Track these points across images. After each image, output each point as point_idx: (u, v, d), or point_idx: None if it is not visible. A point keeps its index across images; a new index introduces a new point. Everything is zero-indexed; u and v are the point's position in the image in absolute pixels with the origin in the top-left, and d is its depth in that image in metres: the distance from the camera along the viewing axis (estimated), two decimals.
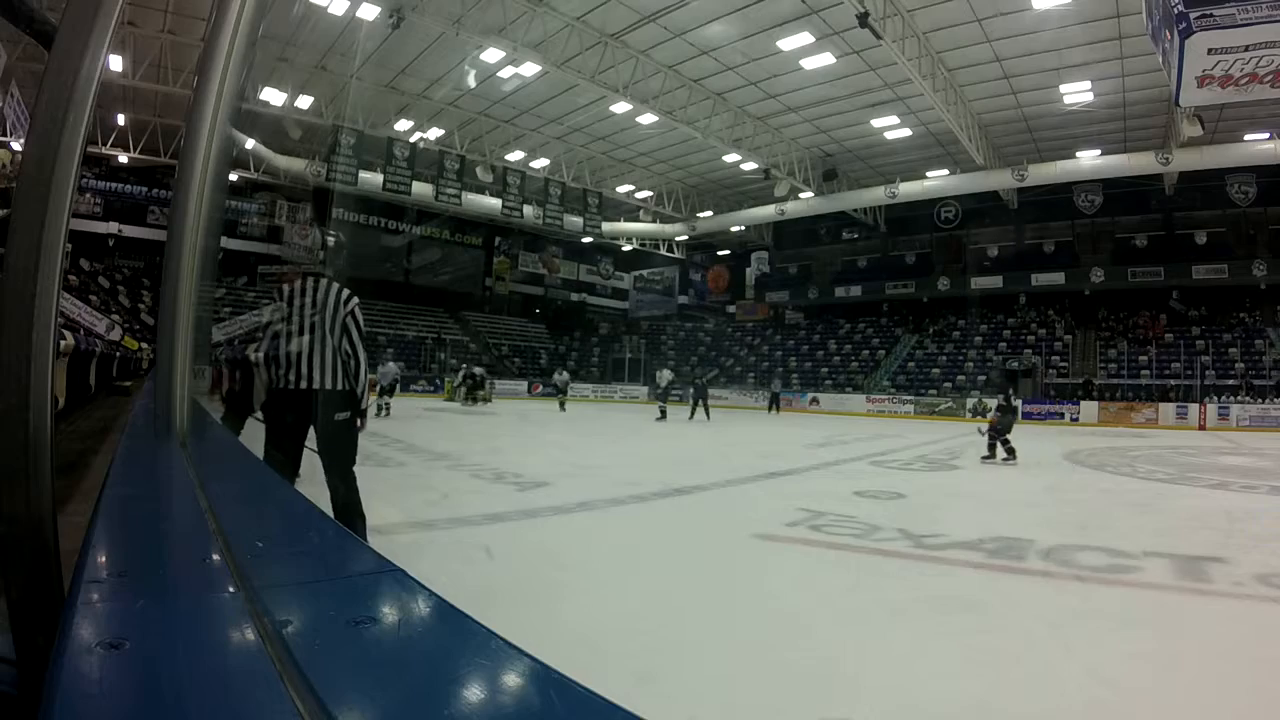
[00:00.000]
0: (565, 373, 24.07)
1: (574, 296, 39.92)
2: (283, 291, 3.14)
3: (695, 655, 2.36)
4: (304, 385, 3.06)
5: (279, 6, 16.28)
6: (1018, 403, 10.07)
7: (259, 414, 3.10)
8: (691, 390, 18.18)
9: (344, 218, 29.25)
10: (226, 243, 27.13)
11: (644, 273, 40.37)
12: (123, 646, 0.68)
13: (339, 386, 3.11)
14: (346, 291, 3.23)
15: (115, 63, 17.20)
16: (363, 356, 3.18)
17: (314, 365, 3.07)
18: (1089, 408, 21.99)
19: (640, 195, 30.19)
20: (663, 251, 35.93)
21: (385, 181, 23.17)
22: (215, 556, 1.03)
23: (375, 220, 31.19)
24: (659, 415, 17.69)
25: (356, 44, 18.87)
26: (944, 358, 28.09)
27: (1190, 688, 2.22)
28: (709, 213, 31.45)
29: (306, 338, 3.06)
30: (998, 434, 9.14)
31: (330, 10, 16.74)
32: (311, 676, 0.62)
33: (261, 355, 3.06)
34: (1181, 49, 9.85)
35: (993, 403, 22.91)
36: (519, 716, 0.63)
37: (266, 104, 20.36)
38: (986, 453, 9.14)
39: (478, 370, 22.28)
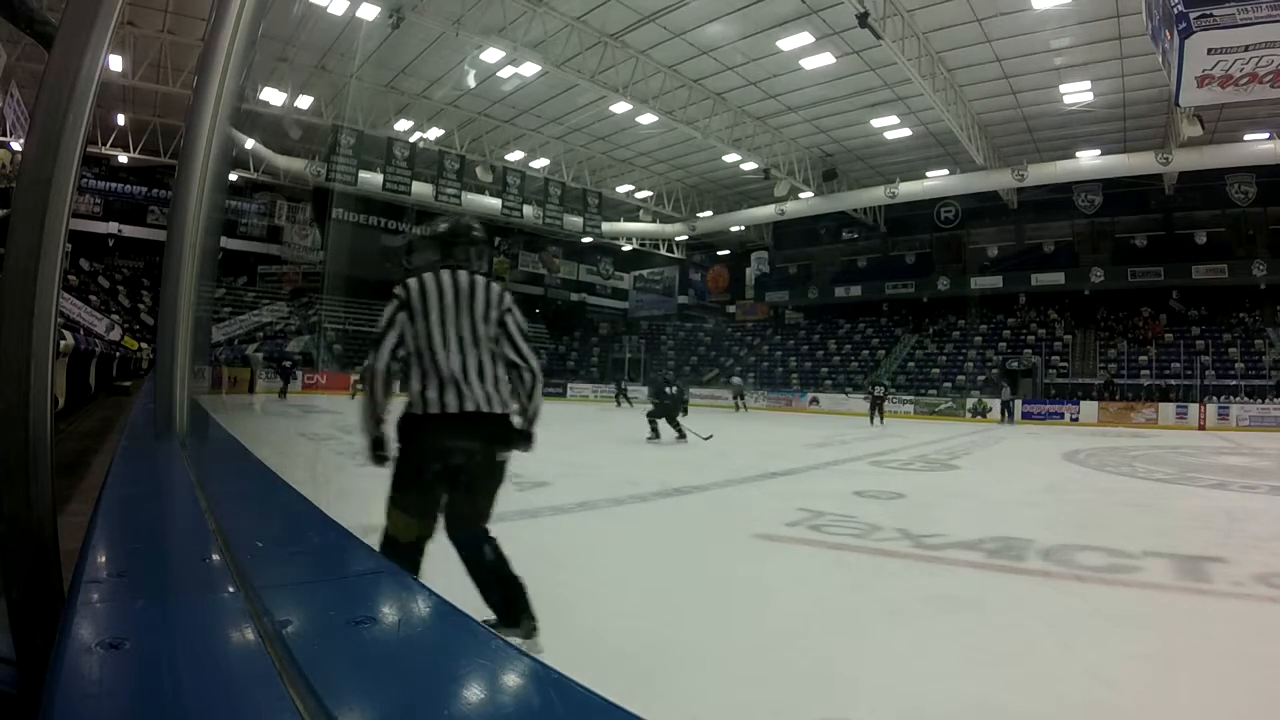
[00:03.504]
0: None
1: (574, 296, 39.92)
2: (404, 284, 2.40)
3: (695, 655, 2.36)
4: (468, 408, 2.29)
5: (279, 6, 16.29)
6: (674, 390, 10.80)
7: (391, 453, 2.32)
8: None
9: (344, 218, 29.26)
10: (226, 243, 27.14)
11: (644, 273, 40.36)
12: (122, 646, 0.68)
13: (505, 410, 2.41)
14: (497, 286, 2.52)
15: (115, 63, 17.20)
16: (537, 369, 2.51)
17: (473, 382, 2.32)
18: (1089, 408, 21.99)
19: (640, 195, 30.19)
20: (663, 251, 35.94)
21: (385, 181, 23.18)
22: (215, 556, 1.03)
23: (375, 220, 31.19)
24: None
25: (356, 44, 18.86)
26: (944, 358, 28.09)
27: (1190, 688, 2.22)
28: (709, 213, 31.46)
29: (455, 345, 2.33)
30: (653, 416, 10.67)
31: (330, 10, 16.75)
32: (311, 676, 0.62)
33: (382, 368, 2.30)
34: (1181, 49, 9.86)
35: (994, 402, 23.05)
36: (519, 716, 0.63)
37: (266, 104, 20.36)
38: (650, 434, 10.56)
39: None
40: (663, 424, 10.61)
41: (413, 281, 2.39)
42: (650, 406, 11.07)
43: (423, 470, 2.29)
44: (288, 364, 20.50)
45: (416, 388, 2.29)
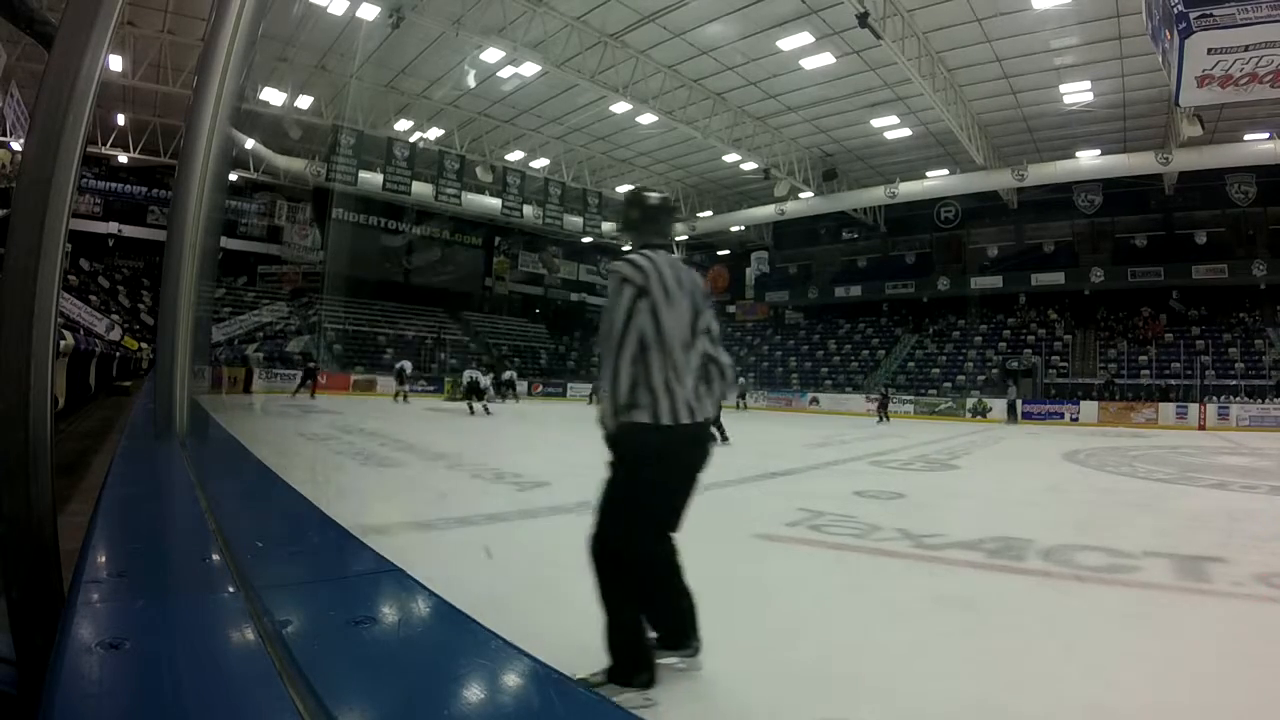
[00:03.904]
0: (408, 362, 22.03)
1: (574, 296, 39.91)
2: (637, 264, 2.02)
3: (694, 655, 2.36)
4: (699, 418, 2.05)
5: (279, 6, 16.29)
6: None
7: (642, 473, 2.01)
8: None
9: (344, 218, 29.24)
10: (226, 243, 27.12)
11: None
12: (122, 646, 0.68)
13: (714, 417, 2.17)
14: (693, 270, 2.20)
15: (115, 63, 17.20)
16: (730, 371, 2.21)
17: (698, 385, 2.08)
18: (1089, 408, 22.00)
19: None
20: None
21: (385, 181, 23.19)
22: (215, 556, 1.03)
23: (375, 220, 31.20)
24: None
25: (356, 44, 18.87)
26: (944, 358, 28.10)
27: (1190, 688, 2.21)
28: (709, 213, 31.46)
29: (690, 342, 2.07)
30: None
31: (330, 10, 16.76)
32: (311, 676, 0.62)
33: (626, 374, 1.94)
34: (1181, 49, 9.86)
35: (994, 402, 23.05)
36: (519, 716, 0.63)
37: (266, 104, 20.36)
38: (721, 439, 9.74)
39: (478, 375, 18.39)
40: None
41: (643, 261, 2.00)
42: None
43: (660, 490, 2.04)
44: (312, 365, 21.04)
45: (662, 399, 1.94)
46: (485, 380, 17.26)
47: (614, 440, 1.99)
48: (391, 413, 15.32)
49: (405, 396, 20.11)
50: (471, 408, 16.02)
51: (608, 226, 30.20)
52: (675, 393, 1.96)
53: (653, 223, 2.19)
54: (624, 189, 29.38)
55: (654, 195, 2.25)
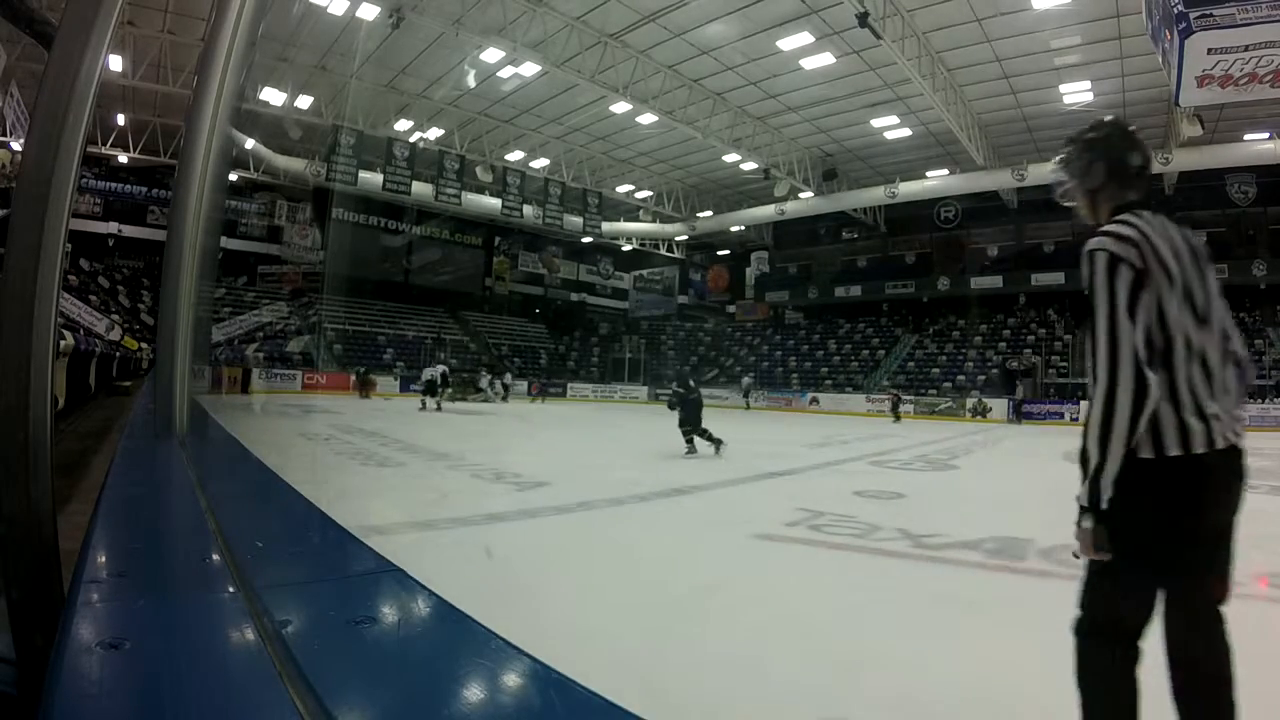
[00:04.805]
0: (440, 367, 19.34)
1: (574, 296, 39.94)
2: (1125, 236, 1.44)
3: (695, 655, 2.36)
4: (1234, 439, 1.57)
5: (279, 6, 16.30)
6: (696, 388, 9.10)
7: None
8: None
9: (344, 218, 29.25)
10: (226, 243, 27.13)
11: (644, 273, 40.39)
12: (122, 646, 0.68)
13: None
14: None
15: (115, 63, 17.21)
16: (1249, 366, 1.69)
17: (1232, 397, 1.58)
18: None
19: (640, 195, 30.20)
20: (663, 251, 35.96)
21: (385, 181, 23.21)
22: (215, 556, 1.03)
23: (375, 220, 31.20)
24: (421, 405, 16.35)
25: (356, 44, 18.87)
26: (944, 358, 28.10)
27: None
28: (709, 213, 31.48)
29: (1218, 338, 1.56)
30: (686, 425, 8.81)
31: (330, 10, 16.76)
32: (311, 676, 0.62)
33: (1153, 384, 1.42)
34: (1181, 49, 9.86)
35: (994, 402, 23.07)
36: (519, 716, 0.63)
37: (266, 104, 20.37)
38: (688, 447, 8.78)
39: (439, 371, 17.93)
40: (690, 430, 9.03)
41: (1132, 231, 1.44)
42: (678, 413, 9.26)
43: (1199, 547, 1.54)
44: (361, 370, 23.27)
45: (1188, 419, 1.46)
46: (441, 378, 17.67)
47: (1117, 485, 1.45)
48: (391, 413, 15.33)
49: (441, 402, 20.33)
50: (424, 404, 16.38)
51: (608, 227, 30.21)
52: (1204, 407, 1.47)
53: (1137, 172, 1.59)
54: (624, 189, 29.33)
55: (1128, 129, 1.66)
